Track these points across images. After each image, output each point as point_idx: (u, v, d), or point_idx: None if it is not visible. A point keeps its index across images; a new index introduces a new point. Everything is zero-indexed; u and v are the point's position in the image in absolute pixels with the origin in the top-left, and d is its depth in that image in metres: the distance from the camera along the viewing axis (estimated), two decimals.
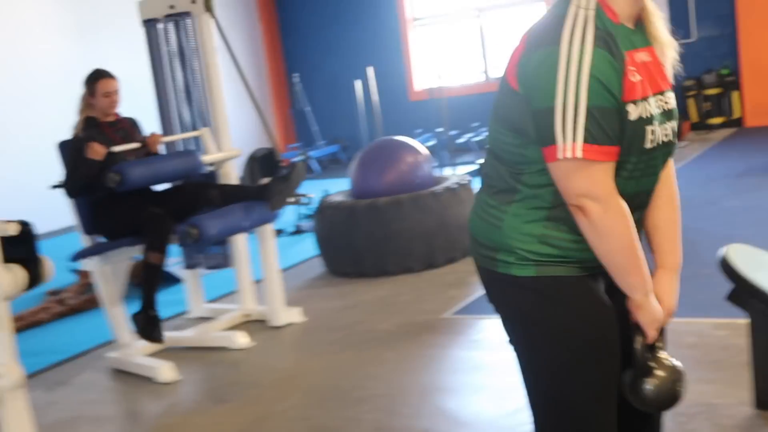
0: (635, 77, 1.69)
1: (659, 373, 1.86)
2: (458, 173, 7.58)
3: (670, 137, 1.78)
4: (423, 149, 6.15)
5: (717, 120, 10.33)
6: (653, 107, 1.72)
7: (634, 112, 1.68)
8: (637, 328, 1.84)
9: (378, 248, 5.66)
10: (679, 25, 9.90)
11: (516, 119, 1.76)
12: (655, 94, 1.74)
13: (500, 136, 1.82)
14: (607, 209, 1.67)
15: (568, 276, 1.78)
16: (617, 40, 1.69)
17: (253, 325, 4.95)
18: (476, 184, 1.96)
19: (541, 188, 1.76)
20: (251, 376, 4.21)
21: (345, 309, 5.15)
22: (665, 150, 1.78)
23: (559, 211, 1.75)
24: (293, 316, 4.93)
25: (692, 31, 10.43)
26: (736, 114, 10.33)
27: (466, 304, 4.88)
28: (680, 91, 10.47)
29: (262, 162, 6.72)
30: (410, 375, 3.96)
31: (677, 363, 1.89)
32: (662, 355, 1.88)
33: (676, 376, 1.87)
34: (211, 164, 4.92)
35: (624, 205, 1.70)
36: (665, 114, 1.76)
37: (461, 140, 10.93)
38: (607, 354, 1.82)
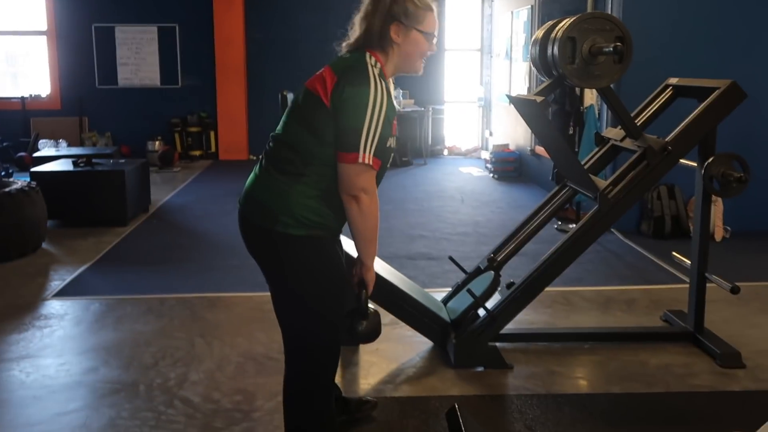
0: (395, 121, 2.37)
1: (371, 316, 2.57)
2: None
3: None
4: None
5: (197, 152, 11.24)
6: (394, 142, 2.41)
7: (392, 143, 2.35)
8: (361, 284, 2.49)
9: None
10: (169, 74, 10.61)
11: (318, 125, 2.27)
12: (395, 135, 2.40)
13: (299, 133, 2.30)
14: (372, 199, 2.30)
15: (324, 238, 2.34)
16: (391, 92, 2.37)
17: None
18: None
19: (320, 177, 2.29)
20: None
21: None
22: None
23: (327, 195, 2.30)
24: None
25: (179, 80, 11.22)
26: (213, 149, 11.36)
27: (59, 289, 4.89)
28: (168, 127, 11.16)
29: None
30: (36, 350, 3.96)
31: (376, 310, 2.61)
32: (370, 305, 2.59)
33: (378, 318, 2.60)
34: None
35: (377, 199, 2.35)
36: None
37: None
38: (345, 285, 2.43)
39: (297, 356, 2.43)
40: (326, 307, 2.37)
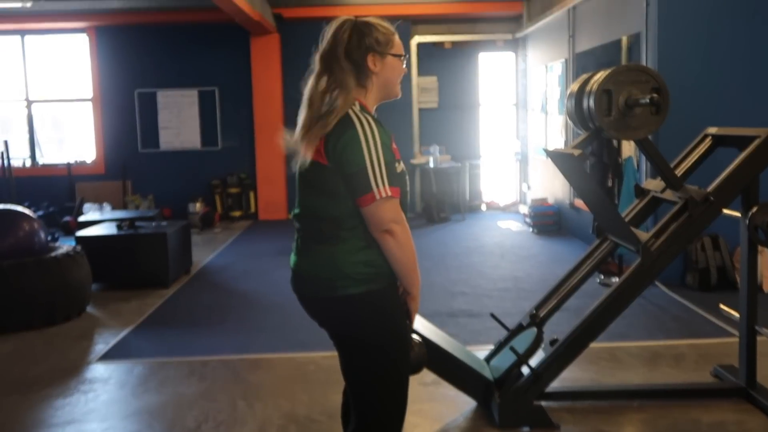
0: (394, 144, 2.37)
1: (416, 347, 2.53)
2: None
3: None
4: (36, 218, 5.97)
5: (237, 213, 11.39)
6: (402, 164, 2.40)
7: (398, 167, 2.34)
8: (407, 314, 2.46)
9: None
10: (209, 136, 10.80)
11: (328, 186, 2.28)
12: (400, 159, 2.39)
13: (316, 202, 2.32)
14: (404, 228, 2.29)
15: (385, 287, 2.32)
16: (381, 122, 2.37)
17: None
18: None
19: (356, 231, 2.29)
20: None
21: None
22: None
23: (371, 243, 2.30)
24: None
25: (219, 141, 11.46)
26: (252, 209, 11.50)
27: (103, 352, 4.94)
28: (209, 189, 11.36)
29: None
30: (97, 409, 3.99)
31: (421, 341, 2.57)
32: (414, 335, 2.55)
33: (424, 350, 2.56)
34: None
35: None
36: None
37: None
38: (409, 334, 2.41)
39: (367, 411, 2.40)
40: (396, 359, 2.36)
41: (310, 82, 2.38)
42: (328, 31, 2.37)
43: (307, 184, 2.36)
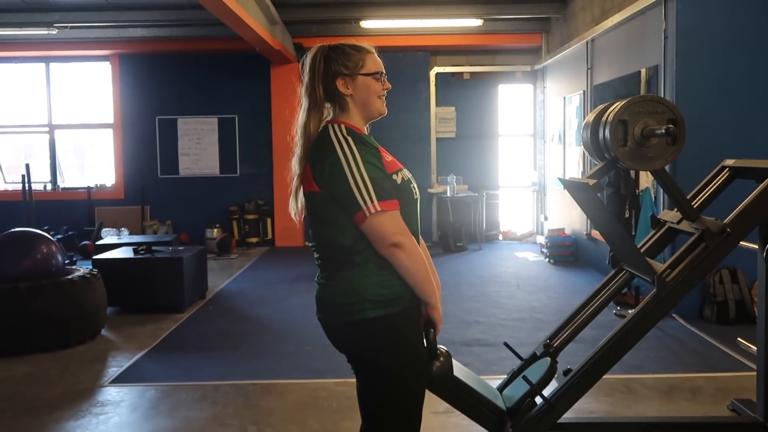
0: (388, 157, 2.38)
1: (441, 357, 2.49)
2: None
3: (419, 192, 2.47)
4: (54, 241, 6.02)
5: (254, 239, 11.43)
6: (407, 173, 2.41)
7: (398, 178, 2.34)
8: (428, 325, 2.42)
9: (15, 328, 5.39)
10: (228, 163, 10.86)
11: (327, 214, 2.31)
12: (402, 168, 2.41)
13: (325, 232, 2.34)
14: (410, 240, 2.28)
15: (402, 311, 2.31)
16: (368, 140, 2.38)
17: None
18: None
19: (366, 252, 2.30)
20: None
21: None
22: (420, 200, 2.46)
23: (382, 260, 2.29)
24: None
25: (238, 169, 11.54)
26: (269, 235, 11.55)
27: (116, 375, 4.94)
28: (227, 215, 11.42)
29: None
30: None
31: (447, 351, 2.53)
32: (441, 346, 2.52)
33: (450, 361, 2.51)
34: None
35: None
36: (413, 177, 2.45)
37: None
38: (427, 359, 2.40)
39: None
40: (411, 385, 2.35)
41: (299, 118, 2.41)
42: (305, 63, 2.42)
43: (312, 215, 2.39)
